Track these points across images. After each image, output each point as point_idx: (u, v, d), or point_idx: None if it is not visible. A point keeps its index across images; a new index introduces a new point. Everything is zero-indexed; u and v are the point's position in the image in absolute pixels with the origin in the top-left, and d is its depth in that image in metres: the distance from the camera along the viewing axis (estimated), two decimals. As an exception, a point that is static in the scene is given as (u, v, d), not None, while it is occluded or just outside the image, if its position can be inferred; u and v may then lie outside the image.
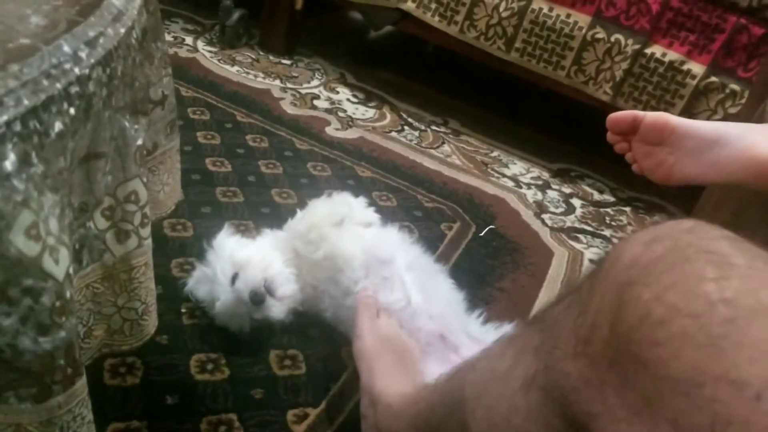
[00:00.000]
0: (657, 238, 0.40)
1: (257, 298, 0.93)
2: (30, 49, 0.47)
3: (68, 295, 0.46)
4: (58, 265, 0.45)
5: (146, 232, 0.64)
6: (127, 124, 0.60)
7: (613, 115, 0.85)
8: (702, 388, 0.33)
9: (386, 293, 0.96)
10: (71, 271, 0.47)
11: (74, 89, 0.48)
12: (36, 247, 0.43)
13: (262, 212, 1.28)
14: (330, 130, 1.66)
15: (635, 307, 0.37)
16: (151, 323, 0.68)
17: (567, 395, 0.42)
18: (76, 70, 0.49)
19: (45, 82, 0.46)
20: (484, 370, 0.56)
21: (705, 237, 0.39)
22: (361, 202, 1.09)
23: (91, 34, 0.52)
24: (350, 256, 0.98)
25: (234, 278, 0.95)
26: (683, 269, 0.37)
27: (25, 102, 0.44)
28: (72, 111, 0.48)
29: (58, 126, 0.47)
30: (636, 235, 0.41)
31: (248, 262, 0.96)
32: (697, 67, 1.52)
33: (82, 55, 0.50)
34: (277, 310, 0.96)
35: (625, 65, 1.56)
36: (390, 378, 0.83)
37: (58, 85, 0.47)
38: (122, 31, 0.57)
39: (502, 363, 0.52)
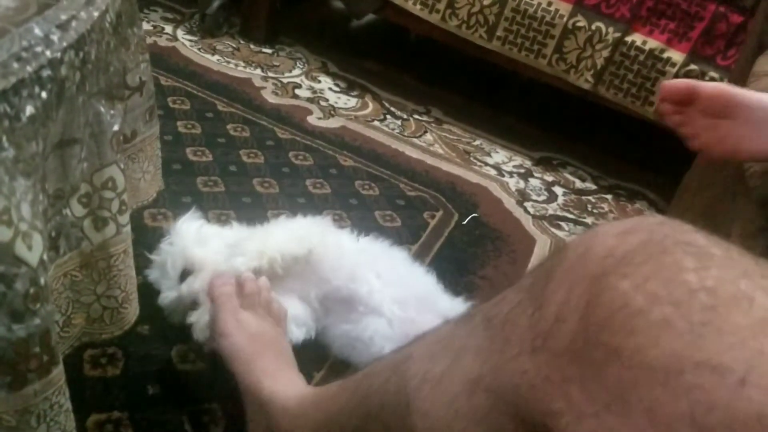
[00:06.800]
0: (630, 230, 0.38)
1: (195, 307, 0.89)
2: (-1, 32, 0.46)
3: (43, 281, 0.45)
4: (32, 251, 0.44)
5: (125, 219, 0.63)
6: (102, 109, 0.59)
7: (668, 83, 0.79)
8: (681, 376, 0.32)
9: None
10: (46, 257, 0.46)
11: (46, 73, 0.48)
12: (8, 232, 0.42)
13: (244, 202, 1.27)
14: (312, 119, 1.65)
15: (612, 296, 0.36)
16: (132, 311, 0.68)
17: (523, 394, 0.40)
18: (48, 54, 0.48)
19: (15, 65, 0.45)
20: (414, 374, 0.51)
21: (679, 229, 0.38)
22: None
23: (63, 17, 0.51)
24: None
25: (183, 275, 0.90)
26: (662, 260, 0.36)
27: (-5, 85, 0.43)
28: (44, 95, 0.47)
29: (29, 110, 0.46)
30: (604, 228, 0.40)
31: (201, 266, 0.90)
32: (676, 55, 1.53)
33: (54, 38, 0.49)
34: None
35: (606, 53, 1.57)
36: (277, 378, 0.77)
37: (29, 68, 0.46)
38: (95, 14, 0.56)
39: (436, 365, 0.49)
